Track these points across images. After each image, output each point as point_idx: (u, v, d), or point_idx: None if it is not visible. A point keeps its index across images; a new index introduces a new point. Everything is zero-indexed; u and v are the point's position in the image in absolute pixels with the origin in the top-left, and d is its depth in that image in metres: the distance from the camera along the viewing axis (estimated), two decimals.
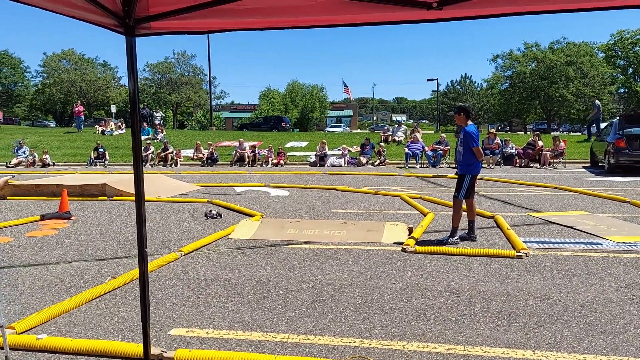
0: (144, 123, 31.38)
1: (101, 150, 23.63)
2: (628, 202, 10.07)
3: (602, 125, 21.86)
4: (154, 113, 38.14)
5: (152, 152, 23.30)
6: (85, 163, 23.54)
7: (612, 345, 3.68)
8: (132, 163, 13.94)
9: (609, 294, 4.78)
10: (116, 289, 5.06)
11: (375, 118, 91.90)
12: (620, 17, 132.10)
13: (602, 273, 5.42)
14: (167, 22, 2.80)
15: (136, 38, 2.90)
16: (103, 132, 31.62)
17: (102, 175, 15.46)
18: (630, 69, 55.74)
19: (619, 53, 55.53)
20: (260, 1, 2.51)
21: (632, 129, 16.04)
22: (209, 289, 5.05)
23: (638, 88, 53.68)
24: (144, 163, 22.29)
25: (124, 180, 12.99)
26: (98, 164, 23.17)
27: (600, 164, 18.07)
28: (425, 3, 2.43)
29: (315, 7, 2.53)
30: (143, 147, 23.36)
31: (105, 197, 11.66)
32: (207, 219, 8.84)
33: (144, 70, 63.26)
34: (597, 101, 26.62)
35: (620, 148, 15.77)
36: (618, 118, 17.84)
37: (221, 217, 8.90)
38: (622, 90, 56.97)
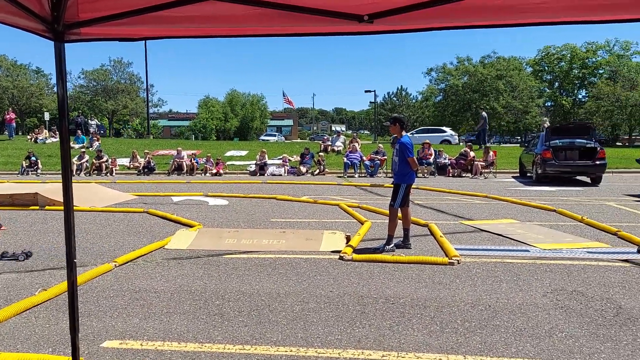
0: (78, 131, 30.18)
1: (33, 158, 22.48)
2: (554, 210, 10.55)
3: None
4: (89, 121, 36.70)
5: (87, 161, 22.39)
6: (17, 172, 22.29)
7: (538, 349, 3.82)
8: None
9: (536, 299, 4.97)
10: (47, 300, 4.88)
11: (315, 128, 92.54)
12: (546, 33, 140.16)
13: (529, 279, 5.64)
14: (98, 29, 2.73)
15: (67, 44, 2.82)
16: (36, 140, 30.11)
17: (34, 184, 14.71)
18: (556, 83, 59.15)
19: (546, 68, 58.83)
20: (195, 9, 2.49)
21: (557, 141, 16.82)
22: (144, 300, 4.93)
23: (564, 102, 57.01)
24: (78, 172, 21.43)
25: (56, 189, 12.40)
26: (30, 172, 22.00)
27: (528, 174, 18.87)
28: (357, 16, 2.48)
29: (250, 17, 2.54)
30: (77, 156, 22.44)
31: (37, 207, 11.14)
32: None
33: (79, 77, 61.01)
34: (483, 112, 28.77)
35: (547, 159, 16.45)
36: (544, 130, 18.82)
37: (23, 260, 6.60)
38: (549, 104, 60.26)
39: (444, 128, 40.62)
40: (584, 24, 2.65)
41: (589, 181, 16.96)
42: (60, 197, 11.14)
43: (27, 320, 4.40)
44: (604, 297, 5.01)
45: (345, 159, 21.17)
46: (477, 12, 2.47)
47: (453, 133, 38.81)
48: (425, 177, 19.23)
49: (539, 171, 16.91)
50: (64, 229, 3.03)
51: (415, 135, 37.14)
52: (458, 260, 6.35)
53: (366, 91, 65.83)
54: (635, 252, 6.88)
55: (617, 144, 51.44)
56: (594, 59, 55.97)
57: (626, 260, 6.45)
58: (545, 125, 26.99)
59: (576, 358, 3.68)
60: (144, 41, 2.92)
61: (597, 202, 12.04)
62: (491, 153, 20.66)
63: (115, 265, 6.18)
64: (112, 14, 2.56)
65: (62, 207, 10.25)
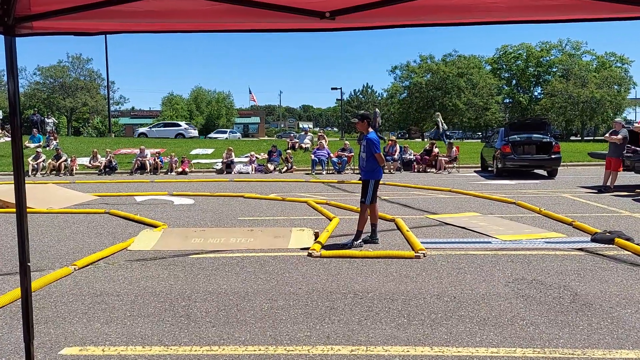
0: (34, 130, 29.13)
1: None
2: (514, 203, 10.88)
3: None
4: (46, 119, 35.52)
5: (44, 161, 21.63)
6: None
7: (501, 337, 3.93)
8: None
9: (498, 289, 5.12)
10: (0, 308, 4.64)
11: (282, 125, 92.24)
12: (503, 33, 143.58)
13: (492, 270, 5.80)
14: (52, 22, 2.62)
15: (18, 38, 2.70)
16: None
17: None
18: (514, 81, 60.99)
19: (504, 66, 60.70)
20: (156, 4, 2.42)
21: (516, 136, 17.49)
22: (106, 304, 4.78)
23: (521, 99, 58.84)
24: (34, 172, 20.66)
25: (10, 190, 11.92)
26: None
27: (489, 169, 19.44)
28: (319, 12, 2.48)
29: (212, 13, 2.49)
30: (33, 156, 21.65)
31: None
32: None
33: (34, 73, 58.91)
34: (377, 109, 30.13)
35: (507, 153, 17.05)
36: (503, 126, 19.38)
37: None
38: (508, 101, 62.12)
39: (180, 122, 44.76)
40: (536, 23, 2.76)
41: (546, 174, 17.54)
42: (12, 199, 10.72)
43: None
44: (561, 285, 5.21)
45: (312, 156, 21.16)
46: (435, 11, 2.52)
47: (187, 127, 42.38)
48: (391, 173, 19.41)
49: (499, 165, 17.47)
50: (17, 232, 2.90)
51: (153, 129, 40.86)
52: (424, 254, 6.44)
53: (332, 88, 66.13)
54: (589, 241, 7.18)
55: (571, 138, 53.56)
56: (547, 58, 58.32)
57: (581, 249, 6.74)
58: (439, 119, 29.39)
59: (537, 344, 3.80)
60: (103, 36, 2.80)
61: (553, 194, 12.48)
62: (454, 149, 21.11)
63: (74, 268, 5.96)
64: (66, 8, 2.45)
65: (14, 209, 9.87)
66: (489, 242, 7.21)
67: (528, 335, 3.95)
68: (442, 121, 29.03)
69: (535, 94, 60.61)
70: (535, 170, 18.14)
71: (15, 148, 2.78)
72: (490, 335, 3.96)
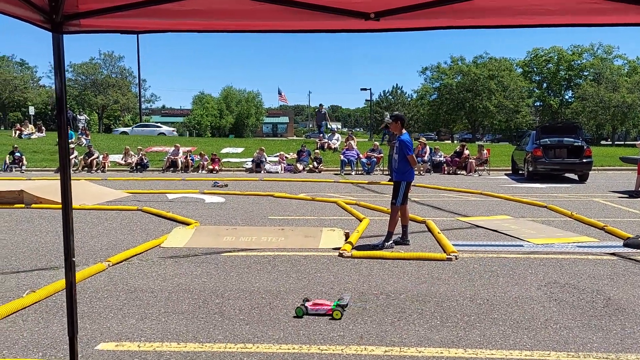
0: (68, 126, 29.79)
1: (18, 154, 22.13)
2: (545, 206, 10.72)
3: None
4: (78, 116, 36.25)
5: (76, 157, 22.13)
6: None
7: (535, 340, 3.90)
8: (51, 168, 13.30)
9: (531, 292, 5.07)
10: (36, 303, 4.73)
11: (310, 125, 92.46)
12: (535, 35, 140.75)
13: (524, 273, 5.75)
14: (98, 20, 2.67)
15: (64, 35, 2.75)
16: (20, 135, 29.67)
17: (19, 181, 14.44)
18: (545, 84, 60.01)
19: (535, 69, 59.71)
20: (200, 3, 2.45)
21: (547, 139, 17.25)
22: (140, 300, 4.85)
23: (552, 102, 57.86)
24: None
25: (43, 186, 12.21)
26: (14, 169, 21.65)
27: (520, 172, 19.15)
28: (363, 13, 2.47)
29: (256, 13, 2.51)
30: None
31: (23, 205, 10.91)
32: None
33: (67, 70, 59.90)
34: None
35: (538, 157, 16.83)
36: (535, 129, 19.10)
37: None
38: (538, 104, 61.14)
39: (158, 124, 46.65)
40: (573, 26, 2.72)
41: (577, 178, 17.26)
42: (46, 195, 11.03)
43: (14, 324, 4.25)
44: (594, 289, 5.16)
45: (342, 156, 21.14)
46: (481, 13, 2.49)
47: (170, 129, 43.40)
48: (421, 175, 19.26)
49: (530, 168, 17.26)
50: (62, 227, 2.96)
51: (135, 129, 41.48)
52: (456, 256, 6.38)
53: (362, 89, 65.73)
54: (621, 245, 7.08)
55: (602, 142, 52.46)
56: (579, 61, 57.36)
57: (613, 254, 6.65)
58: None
59: (570, 348, 3.77)
60: (142, 34, 2.85)
61: (584, 199, 12.27)
62: (485, 151, 20.84)
63: (108, 264, 6.06)
64: (112, 6, 2.50)
65: (49, 205, 10.02)
66: (521, 246, 7.12)
67: (562, 339, 3.92)
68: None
69: (566, 97, 59.60)
70: (566, 174, 17.84)
71: (62, 145, 2.83)
72: (523, 338, 3.94)
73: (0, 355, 3.64)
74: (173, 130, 43.12)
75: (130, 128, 43.52)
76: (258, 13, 2.51)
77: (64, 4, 2.56)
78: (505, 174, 19.96)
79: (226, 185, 15.18)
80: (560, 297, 4.92)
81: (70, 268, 2.91)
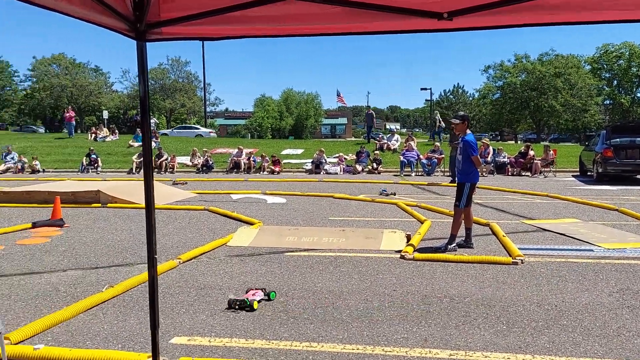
0: (137, 129, 31.22)
1: (94, 156, 23.44)
2: (616, 210, 10.24)
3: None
4: None
5: (142, 158, 23.16)
6: (77, 169, 23.18)
7: (607, 348, 3.78)
8: (124, 169, 14.00)
9: (602, 298, 4.89)
10: (114, 297, 5.01)
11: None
12: (605, 31, 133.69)
13: (595, 279, 5.54)
14: (179, 28, 2.81)
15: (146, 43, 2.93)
16: (95, 138, 31.37)
17: (95, 182, 15.34)
18: (615, 82, 56.82)
19: (605, 66, 56.62)
20: (273, 9, 2.53)
21: (618, 139, 16.43)
22: (209, 297, 5.05)
23: (623, 100, 54.67)
24: (137, 170, 22.11)
25: (118, 186, 12.92)
26: (90, 170, 22.94)
27: (589, 173, 18.32)
28: (436, 13, 2.48)
29: (327, 16, 2.57)
30: (137, 154, 23.27)
31: (99, 204, 11.54)
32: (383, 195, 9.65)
33: (137, 75, 62.68)
34: (372, 111, 30.21)
35: (608, 158, 16.06)
36: (605, 129, 18.20)
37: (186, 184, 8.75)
38: (608, 102, 58.01)
39: (197, 126, 46.63)
40: None
41: None
42: (121, 195, 11.64)
43: (94, 317, 4.52)
44: None
45: (401, 157, 20.99)
46: (556, 10, 2.43)
47: (207, 130, 43.26)
48: (484, 176, 18.80)
49: (600, 170, 16.52)
50: (145, 226, 3.15)
51: (174, 130, 41.58)
52: (522, 260, 6.22)
53: (422, 89, 64.98)
54: None
55: None
56: None
57: None
58: (437, 118, 29.42)
59: None
60: (217, 41, 2.98)
61: None
62: (551, 152, 20.07)
63: (179, 262, 6.33)
64: (193, 14, 2.63)
65: (123, 205, 10.57)
66: (591, 250, 6.85)
67: (635, 347, 3.78)
68: (441, 119, 29.45)
69: (639, 95, 56.11)
70: (639, 176, 16.87)
71: (145, 147, 3.01)
72: (595, 346, 3.82)
73: (84, 346, 3.88)
74: (210, 132, 44.02)
75: (170, 130, 44.95)
76: (330, 16, 2.57)
77: (148, 13, 2.73)
78: (573, 176, 19.17)
79: (185, 184, 16.37)
80: (634, 304, 4.72)
81: (152, 264, 3.08)
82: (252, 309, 4.59)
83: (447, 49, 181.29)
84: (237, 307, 4.64)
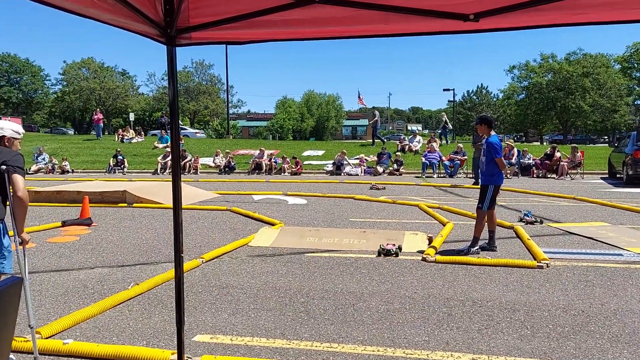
0: (162, 131, 31.62)
1: (120, 157, 23.88)
2: None
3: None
4: None
5: (171, 159, 23.47)
6: (104, 170, 23.75)
7: (636, 356, 3.68)
8: (149, 170, 14.27)
9: (632, 305, 4.77)
10: (139, 295, 5.11)
11: (390, 127, 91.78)
12: (636, 29, 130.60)
13: (624, 284, 5.41)
14: (207, 33, 2.86)
15: (174, 47, 2.97)
16: (122, 139, 31.92)
17: (121, 182, 15.64)
18: None
19: (635, 65, 55.09)
20: (300, 13, 2.55)
21: None
22: (231, 296, 5.10)
23: None
24: (162, 171, 22.44)
25: (143, 187, 13.14)
26: (117, 171, 23.39)
27: (618, 175, 17.94)
28: (462, 15, 2.47)
29: (355, 18, 2.57)
30: (162, 155, 23.59)
31: (125, 204, 11.78)
32: (524, 222, 8.91)
33: (162, 78, 63.85)
34: (375, 111, 29.02)
35: (639, 159, 15.68)
36: (636, 129, 17.76)
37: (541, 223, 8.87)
38: (639, 102, 56.48)
39: (185, 127, 46.16)
40: None
41: None
42: (146, 195, 11.84)
43: (121, 314, 4.62)
44: None
45: (423, 158, 20.84)
46: (584, 8, 2.38)
47: (194, 131, 43.26)
48: (508, 178, 18.54)
49: (630, 172, 16.15)
50: (173, 226, 3.19)
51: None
52: (547, 264, 6.11)
53: (444, 89, 64.33)
54: None
55: None
56: None
57: None
58: (444, 119, 28.97)
59: None
60: (244, 44, 3.01)
61: None
62: (579, 153, 19.63)
63: (202, 261, 6.41)
64: (221, 19, 2.67)
65: (149, 205, 10.78)
66: (620, 255, 6.68)
67: None
68: (447, 120, 29.31)
69: None
70: None
71: (174, 149, 3.05)
72: (624, 353, 3.72)
73: (110, 342, 3.97)
74: (196, 133, 44.06)
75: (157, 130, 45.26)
76: (358, 19, 2.57)
77: (178, 19, 2.77)
78: (601, 178, 18.77)
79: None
80: None
81: (179, 263, 3.13)
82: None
83: (471, 49, 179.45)
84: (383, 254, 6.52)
